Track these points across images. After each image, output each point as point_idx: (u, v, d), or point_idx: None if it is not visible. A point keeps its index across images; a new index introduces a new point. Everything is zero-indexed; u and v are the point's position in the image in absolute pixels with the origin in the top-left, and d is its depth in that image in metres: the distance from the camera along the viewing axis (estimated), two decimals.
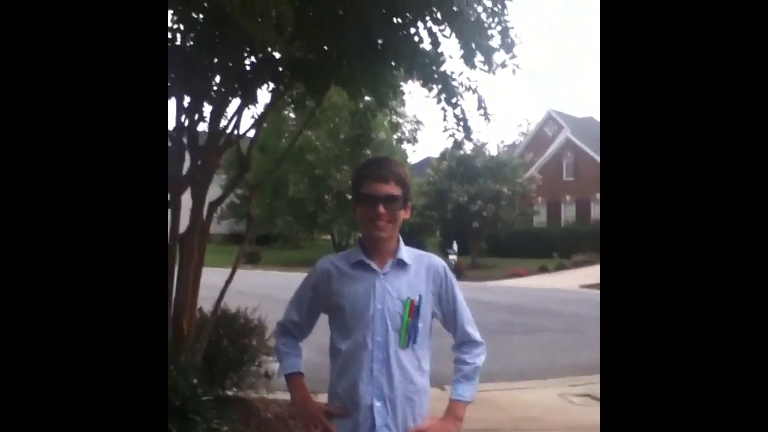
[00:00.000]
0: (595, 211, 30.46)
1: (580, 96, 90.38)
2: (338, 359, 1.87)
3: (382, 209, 1.78)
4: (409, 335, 1.80)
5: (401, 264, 1.84)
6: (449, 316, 1.89)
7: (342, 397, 1.84)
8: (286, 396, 4.99)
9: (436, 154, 28.81)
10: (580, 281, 16.76)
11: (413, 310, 1.80)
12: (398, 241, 1.86)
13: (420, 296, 1.81)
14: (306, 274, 1.99)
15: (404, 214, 1.85)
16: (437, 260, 1.92)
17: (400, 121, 30.25)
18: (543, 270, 21.39)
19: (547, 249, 25.35)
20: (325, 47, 3.98)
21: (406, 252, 1.86)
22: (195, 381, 2.50)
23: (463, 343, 1.91)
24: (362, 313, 1.80)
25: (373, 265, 1.83)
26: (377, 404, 1.78)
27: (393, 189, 1.80)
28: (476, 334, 1.92)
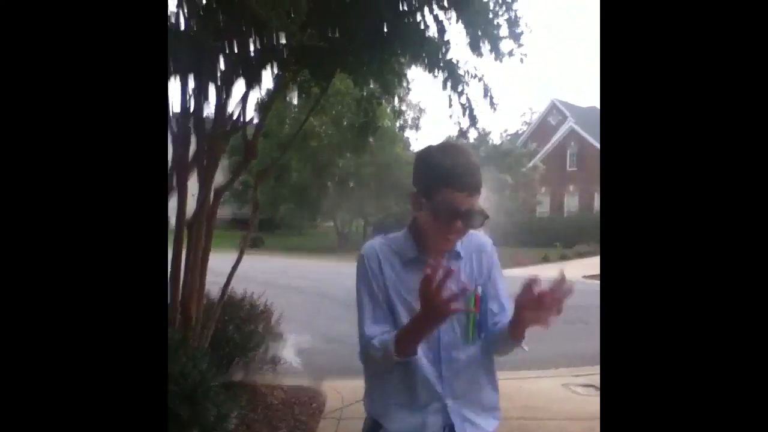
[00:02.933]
0: (599, 201, 30.39)
1: (584, 86, 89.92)
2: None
3: (460, 225, 1.54)
4: (479, 329, 1.64)
5: (457, 256, 1.65)
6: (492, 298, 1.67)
7: (402, 406, 1.64)
8: (291, 382, 5.08)
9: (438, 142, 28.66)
10: (583, 272, 16.73)
11: (478, 302, 1.62)
12: None
13: (481, 286, 1.65)
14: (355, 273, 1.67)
15: None
16: (482, 237, 1.71)
17: (404, 108, 30.15)
18: (545, 260, 21.36)
19: (549, 239, 25.34)
20: (331, 34, 3.96)
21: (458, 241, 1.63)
22: (204, 367, 2.52)
23: None
24: None
25: (429, 262, 1.54)
26: (450, 403, 1.63)
27: (476, 202, 1.54)
28: None
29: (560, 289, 1.46)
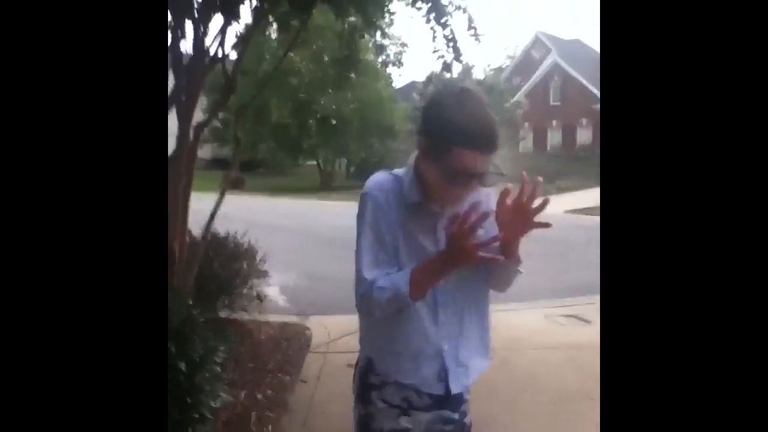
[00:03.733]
0: (581, 136, 30.43)
1: (569, 18, 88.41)
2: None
3: (473, 185, 1.46)
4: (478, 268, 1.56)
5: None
6: None
7: (396, 353, 1.60)
8: (278, 318, 5.13)
9: (421, 79, 28.35)
10: (564, 207, 16.94)
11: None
12: None
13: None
14: (360, 213, 1.56)
15: None
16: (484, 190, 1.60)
17: (386, 43, 29.47)
18: None
19: (531, 174, 25.41)
20: None
21: None
22: (191, 302, 2.53)
23: None
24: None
25: (434, 207, 1.53)
26: (445, 347, 1.59)
27: (490, 161, 1.45)
28: None
29: (527, 191, 1.50)
